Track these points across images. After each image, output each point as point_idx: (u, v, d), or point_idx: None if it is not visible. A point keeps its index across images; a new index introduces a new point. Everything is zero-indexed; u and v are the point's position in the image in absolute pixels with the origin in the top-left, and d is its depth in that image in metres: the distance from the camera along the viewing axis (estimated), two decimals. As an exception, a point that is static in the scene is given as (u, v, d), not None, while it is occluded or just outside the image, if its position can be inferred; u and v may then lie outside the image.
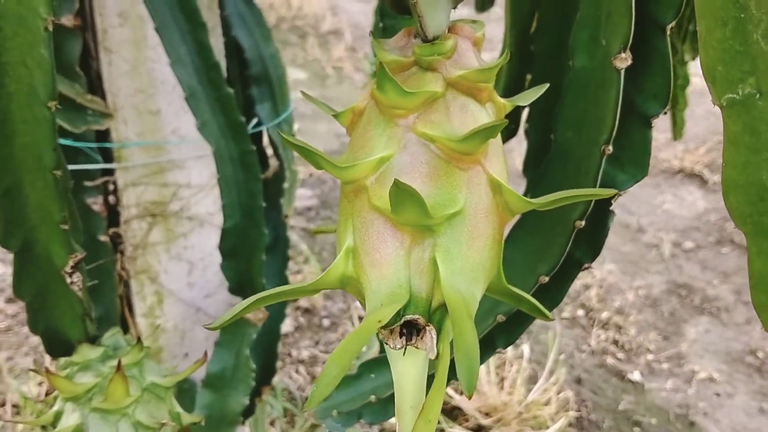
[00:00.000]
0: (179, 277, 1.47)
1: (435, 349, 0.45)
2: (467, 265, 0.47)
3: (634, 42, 0.58)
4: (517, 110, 0.95)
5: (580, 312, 3.03)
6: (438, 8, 0.49)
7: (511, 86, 0.92)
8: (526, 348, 2.49)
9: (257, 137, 1.36)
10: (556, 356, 2.56)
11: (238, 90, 1.34)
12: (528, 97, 0.54)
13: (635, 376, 2.59)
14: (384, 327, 0.45)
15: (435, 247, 0.46)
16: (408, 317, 0.45)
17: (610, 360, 2.70)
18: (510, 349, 2.47)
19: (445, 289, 0.44)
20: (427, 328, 0.45)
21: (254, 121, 1.33)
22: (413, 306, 0.45)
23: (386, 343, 0.46)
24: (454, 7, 0.52)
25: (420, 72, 0.50)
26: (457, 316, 0.43)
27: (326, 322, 2.80)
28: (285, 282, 1.57)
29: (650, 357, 2.71)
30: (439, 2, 0.50)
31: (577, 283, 3.25)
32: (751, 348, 2.78)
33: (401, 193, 0.41)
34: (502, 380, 2.30)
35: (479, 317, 0.76)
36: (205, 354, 0.94)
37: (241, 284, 1.28)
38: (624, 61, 0.58)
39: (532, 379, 2.38)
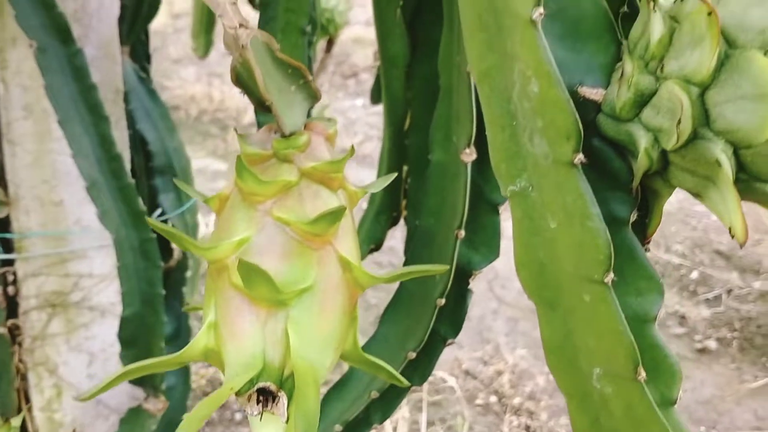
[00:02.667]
0: (79, 369, 1.46)
1: (286, 413, 0.49)
2: (318, 336, 0.51)
3: (479, 138, 0.66)
4: (398, 200, 1.03)
5: (493, 398, 3.08)
6: (293, 108, 0.56)
7: (391, 177, 1.00)
8: (438, 435, 2.50)
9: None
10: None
11: (143, 181, 1.38)
12: (378, 185, 0.61)
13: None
14: (240, 394, 0.49)
15: (287, 320, 0.51)
16: (260, 385, 0.49)
17: (522, 445, 2.74)
18: (422, 436, 2.48)
19: (294, 358, 0.49)
20: (279, 394, 0.49)
21: (158, 210, 1.37)
22: (266, 374, 0.50)
23: (244, 410, 0.50)
24: (311, 107, 0.59)
25: (278, 163, 0.56)
26: (302, 382, 0.47)
27: (238, 416, 2.76)
28: (188, 372, 1.57)
29: (560, 441, 2.76)
30: (295, 103, 0.56)
31: (490, 369, 3.32)
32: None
33: (248, 270, 0.46)
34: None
35: (355, 395, 0.80)
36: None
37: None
38: (469, 155, 0.65)
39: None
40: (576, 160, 0.45)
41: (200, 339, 0.52)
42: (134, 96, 1.28)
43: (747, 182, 0.45)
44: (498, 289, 3.51)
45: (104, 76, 1.20)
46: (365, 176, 3.90)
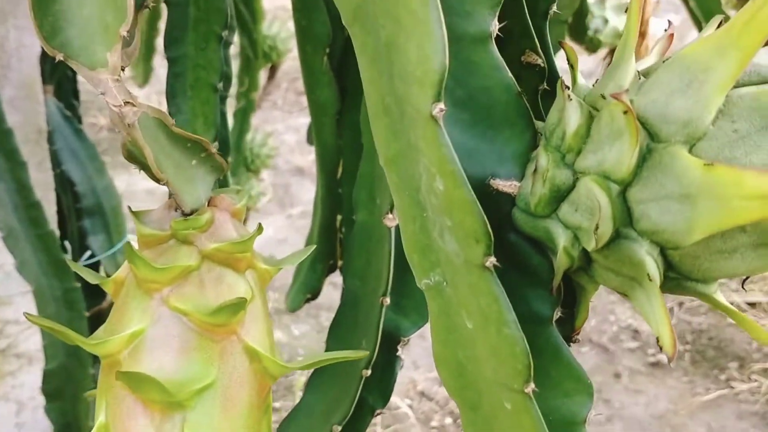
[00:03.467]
0: (7, 418, 1.39)
1: None
2: (220, 437, 0.47)
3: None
4: (334, 248, 0.99)
5: (448, 420, 3.05)
6: (194, 184, 0.52)
7: (325, 225, 0.96)
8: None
9: (92, 270, 1.33)
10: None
11: (71, 222, 1.32)
12: (293, 259, 0.57)
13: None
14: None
15: (184, 423, 0.46)
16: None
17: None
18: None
19: (192, 466, 0.45)
20: (174, 507, 0.45)
21: (87, 253, 1.31)
22: (159, 485, 0.45)
23: None
24: (218, 178, 0.55)
25: (176, 245, 0.51)
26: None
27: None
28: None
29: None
30: (196, 178, 0.52)
31: (445, 390, 3.29)
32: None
33: (131, 379, 0.42)
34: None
35: None
36: None
37: (67, 426, 1.22)
38: (392, 220, 0.61)
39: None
40: (488, 263, 0.41)
41: (89, 445, 0.47)
42: (59, 136, 1.22)
43: (677, 280, 0.42)
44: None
45: (25, 116, 1.15)
46: (318, 195, 3.85)
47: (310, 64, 0.82)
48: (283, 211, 3.83)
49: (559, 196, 0.43)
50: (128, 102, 0.45)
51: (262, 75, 1.87)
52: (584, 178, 0.42)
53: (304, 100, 5.32)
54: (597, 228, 0.40)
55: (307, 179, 4.13)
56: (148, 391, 0.44)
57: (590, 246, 0.41)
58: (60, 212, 1.31)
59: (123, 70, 0.46)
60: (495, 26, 0.45)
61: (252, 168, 1.97)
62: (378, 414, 0.70)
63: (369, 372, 0.67)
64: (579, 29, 1.44)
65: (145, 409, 0.46)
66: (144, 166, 0.50)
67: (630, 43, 0.42)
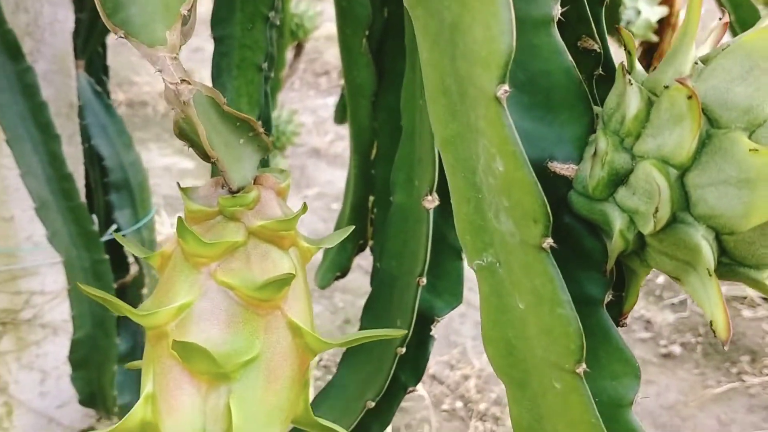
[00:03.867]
0: (31, 386, 1.41)
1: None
2: (263, 409, 0.48)
3: (442, 184, 0.63)
4: (365, 228, 1.00)
5: (459, 404, 3.07)
6: (242, 162, 0.53)
7: (356, 205, 0.97)
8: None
9: (116, 244, 1.34)
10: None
11: (98, 196, 1.33)
12: (333, 239, 0.58)
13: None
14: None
15: (230, 394, 0.48)
16: (200, 466, 0.46)
17: (487, 452, 2.74)
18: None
19: (237, 436, 0.46)
20: (222, 473, 0.46)
21: (113, 227, 1.33)
22: (206, 453, 0.47)
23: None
24: (263, 158, 0.56)
25: (224, 221, 0.52)
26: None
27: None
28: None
29: (525, 448, 2.76)
30: (243, 156, 0.53)
31: (457, 374, 3.31)
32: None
33: (184, 348, 0.43)
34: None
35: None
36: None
37: (92, 396, 1.25)
38: (431, 202, 0.62)
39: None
40: (545, 245, 0.41)
41: (137, 412, 0.48)
42: (89, 111, 1.24)
43: (730, 266, 0.42)
44: (465, 291, 3.51)
45: (57, 90, 1.16)
46: (336, 176, 3.86)
47: (349, 46, 0.82)
48: (299, 192, 3.84)
49: (617, 179, 0.44)
50: (184, 80, 0.46)
51: (289, 53, 1.87)
52: (643, 162, 0.42)
53: (321, 81, 5.27)
54: (657, 211, 0.41)
55: (324, 161, 4.13)
56: (198, 362, 0.46)
57: (647, 229, 0.42)
58: (88, 186, 1.33)
59: (180, 48, 0.47)
60: (558, 10, 0.46)
61: (277, 145, 1.98)
62: (410, 391, 0.71)
63: (404, 350, 0.68)
64: (611, 20, 1.44)
65: (192, 380, 0.48)
66: (194, 144, 0.51)
67: (691, 31, 0.43)
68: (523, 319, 0.44)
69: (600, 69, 0.51)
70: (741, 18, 0.99)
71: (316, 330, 0.54)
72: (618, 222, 0.44)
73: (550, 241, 0.41)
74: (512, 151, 0.40)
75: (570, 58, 0.46)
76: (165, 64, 0.46)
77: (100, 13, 0.44)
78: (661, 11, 1.43)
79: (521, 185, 0.41)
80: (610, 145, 0.44)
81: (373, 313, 0.72)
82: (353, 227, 0.59)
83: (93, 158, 1.28)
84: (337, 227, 1.01)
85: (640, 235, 0.44)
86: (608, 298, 0.48)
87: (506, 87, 0.39)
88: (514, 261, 0.43)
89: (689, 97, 0.39)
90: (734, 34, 1.04)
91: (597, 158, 0.44)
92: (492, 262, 0.44)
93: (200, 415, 0.47)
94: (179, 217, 0.50)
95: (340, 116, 1.29)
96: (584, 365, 0.42)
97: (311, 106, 4.67)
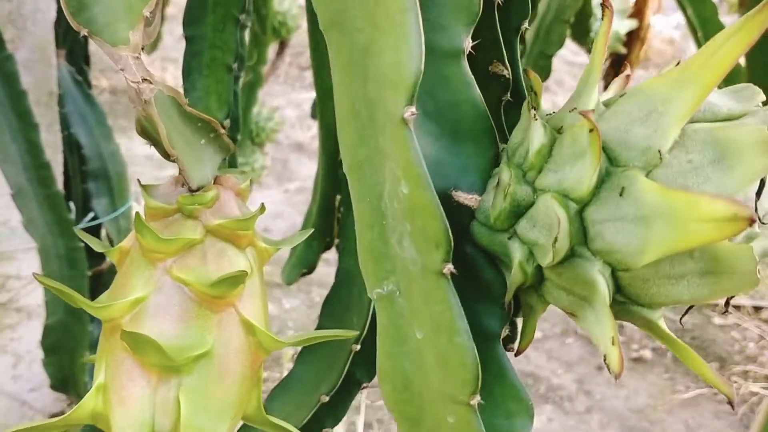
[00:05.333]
0: (4, 369, 1.42)
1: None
2: (213, 403, 0.50)
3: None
4: (331, 226, 1.02)
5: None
6: (202, 162, 0.54)
7: (324, 204, 0.99)
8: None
9: (94, 232, 1.36)
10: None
11: (76, 184, 1.34)
12: (293, 240, 0.59)
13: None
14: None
15: (180, 387, 0.49)
16: (146, 457, 0.47)
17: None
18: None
19: (185, 428, 0.48)
20: (166, 464, 0.48)
21: (90, 215, 1.34)
22: (154, 444, 0.48)
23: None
24: (224, 159, 0.57)
25: (182, 219, 0.54)
26: (188, 455, 0.46)
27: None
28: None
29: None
30: (204, 156, 0.54)
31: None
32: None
33: (133, 339, 0.45)
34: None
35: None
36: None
37: (64, 381, 1.26)
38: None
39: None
40: (445, 270, 0.41)
41: (88, 402, 0.50)
42: (69, 99, 1.25)
43: (624, 304, 0.43)
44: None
45: (37, 79, 1.17)
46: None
47: (319, 47, 0.83)
48: (281, 186, 3.84)
49: (519, 211, 0.45)
50: (146, 79, 0.48)
51: (271, 50, 1.88)
52: (544, 195, 0.43)
53: (307, 75, 5.24)
54: (556, 241, 0.41)
55: (306, 155, 4.13)
56: (148, 353, 0.47)
57: (546, 261, 0.42)
58: (66, 174, 1.33)
59: (143, 49, 0.48)
60: (468, 43, 0.46)
61: (257, 141, 1.99)
62: (364, 387, 0.73)
63: (358, 347, 0.70)
64: (581, 30, 1.46)
65: (143, 372, 0.49)
66: (156, 142, 0.53)
67: (594, 74, 0.44)
68: (421, 349, 0.44)
69: (509, 95, 0.52)
70: (699, 14, 1.00)
71: (269, 329, 0.55)
72: (518, 254, 0.45)
73: (450, 267, 0.42)
74: (417, 174, 0.41)
75: (478, 91, 0.47)
76: (127, 63, 0.47)
77: (65, 12, 0.46)
78: (630, 24, 1.46)
79: (424, 209, 0.41)
80: (513, 177, 0.45)
81: (330, 310, 0.73)
82: (312, 230, 0.61)
83: (72, 146, 1.29)
84: (305, 226, 1.03)
85: (539, 269, 0.44)
86: (505, 332, 0.47)
87: (413, 109, 0.40)
88: (415, 288, 0.43)
89: (591, 131, 0.40)
90: (692, 28, 1.05)
91: (500, 189, 0.45)
92: (392, 290, 0.44)
93: (150, 407, 0.49)
94: (137, 213, 0.51)
95: (314, 112, 1.31)
96: (479, 397, 0.42)
97: (295, 100, 4.67)
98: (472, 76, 0.47)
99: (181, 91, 0.59)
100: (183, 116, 0.52)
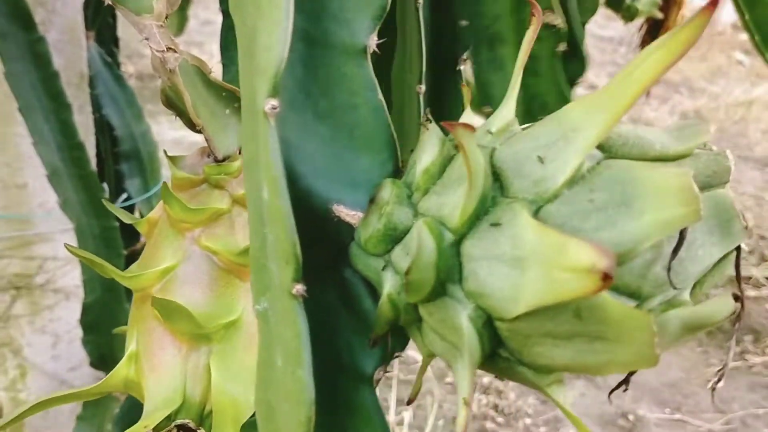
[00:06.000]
0: (43, 350, 1.45)
1: (205, 450, 0.48)
2: (243, 370, 0.50)
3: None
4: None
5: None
6: (227, 131, 0.54)
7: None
8: (407, 414, 2.53)
9: (129, 212, 1.37)
10: (435, 422, 2.60)
11: (109, 165, 1.36)
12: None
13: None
14: (158, 430, 0.48)
15: (210, 354, 0.49)
16: (179, 421, 0.48)
17: (489, 425, 2.76)
18: (392, 415, 2.50)
19: (215, 394, 0.48)
20: (198, 431, 0.48)
21: (124, 195, 1.35)
22: (185, 410, 0.49)
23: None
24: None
25: (209, 189, 0.54)
26: (219, 420, 0.47)
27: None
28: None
29: (528, 421, 2.79)
30: (229, 126, 0.54)
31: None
32: (623, 411, 2.90)
33: (164, 307, 0.45)
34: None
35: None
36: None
37: (102, 359, 1.28)
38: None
39: None
40: (294, 291, 0.36)
41: (120, 370, 0.50)
42: (100, 81, 1.26)
43: (509, 362, 0.37)
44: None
45: (68, 60, 1.18)
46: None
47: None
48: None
49: (395, 235, 0.39)
50: (170, 48, 0.48)
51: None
52: (420, 220, 0.37)
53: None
54: (408, 272, 0.35)
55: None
56: (179, 321, 0.48)
57: (409, 296, 0.37)
58: (99, 155, 1.35)
59: (167, 17, 0.48)
60: (374, 41, 0.42)
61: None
62: (397, 356, 0.73)
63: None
64: (615, -3, 1.43)
65: (173, 340, 0.50)
66: (181, 112, 0.53)
67: (514, 85, 0.40)
68: (279, 379, 0.39)
69: (565, 45, 0.50)
70: (756, 18, 0.94)
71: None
72: (388, 284, 0.39)
73: (300, 287, 0.36)
74: (273, 177, 0.36)
75: (381, 96, 0.42)
76: (151, 32, 0.47)
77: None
78: (666, -13, 1.42)
79: (277, 218, 0.36)
80: (394, 195, 0.39)
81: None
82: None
83: (103, 128, 1.30)
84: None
85: (415, 306, 0.38)
86: (379, 375, 0.42)
87: (274, 102, 0.35)
88: (277, 308, 0.38)
89: (456, 147, 0.34)
90: (750, 34, 0.99)
91: (374, 207, 0.39)
92: (266, 308, 0.39)
93: (181, 374, 0.49)
94: (164, 184, 0.51)
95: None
96: None
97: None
98: (375, 79, 0.42)
99: (220, 66, 0.59)
100: (207, 86, 0.52)
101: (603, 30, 4.95)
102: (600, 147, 0.35)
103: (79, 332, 1.46)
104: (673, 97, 4.47)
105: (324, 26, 0.38)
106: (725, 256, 0.36)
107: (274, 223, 0.36)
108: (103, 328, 1.25)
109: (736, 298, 0.35)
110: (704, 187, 0.35)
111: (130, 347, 0.51)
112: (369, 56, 0.42)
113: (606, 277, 0.27)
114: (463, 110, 0.45)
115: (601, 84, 4.35)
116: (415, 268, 0.35)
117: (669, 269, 0.33)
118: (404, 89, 0.66)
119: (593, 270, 0.28)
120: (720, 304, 0.34)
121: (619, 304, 0.30)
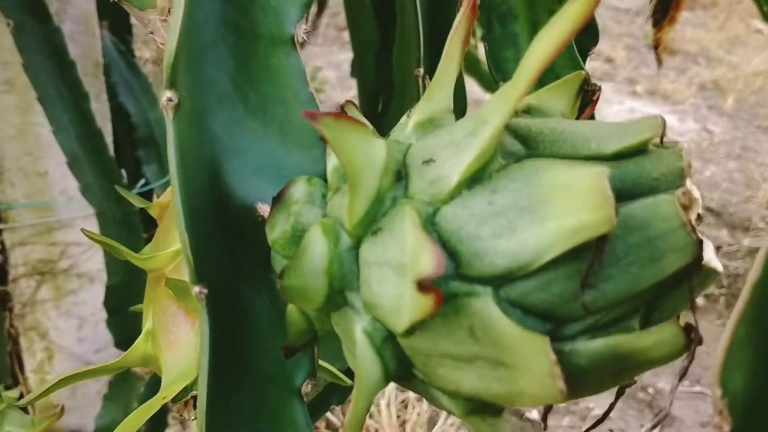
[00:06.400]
0: (69, 332, 1.49)
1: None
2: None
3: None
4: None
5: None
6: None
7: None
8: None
9: (147, 197, 1.41)
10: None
11: (126, 152, 1.39)
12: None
13: (533, 414, 2.68)
14: (176, 401, 0.51)
15: (222, 330, 0.52)
16: (194, 393, 0.51)
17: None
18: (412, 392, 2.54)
19: (228, 367, 0.51)
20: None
21: (142, 181, 1.39)
22: (200, 382, 0.51)
23: (182, 415, 0.52)
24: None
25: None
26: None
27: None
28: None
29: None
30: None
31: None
32: (643, 384, 2.92)
33: (177, 287, 0.48)
34: (404, 423, 2.36)
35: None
36: (62, 409, 0.97)
37: (126, 340, 1.32)
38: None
39: (432, 421, 2.45)
40: (195, 291, 0.35)
41: (138, 346, 0.53)
42: (115, 69, 1.29)
43: (424, 383, 0.32)
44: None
45: (83, 50, 1.21)
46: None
47: (352, 5, 0.85)
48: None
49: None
50: (174, 41, 0.50)
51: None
52: (320, 221, 0.34)
53: (344, 35, 5.21)
54: (282, 275, 0.32)
55: (344, 115, 4.12)
56: (191, 299, 0.50)
57: (299, 305, 0.35)
58: (116, 142, 1.38)
59: (169, 11, 0.50)
60: (302, 30, 0.41)
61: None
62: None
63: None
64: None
65: (187, 317, 0.53)
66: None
67: (441, 81, 0.37)
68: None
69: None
70: None
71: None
72: None
73: (198, 289, 0.35)
74: (175, 173, 0.35)
75: (309, 88, 0.41)
76: (156, 26, 0.50)
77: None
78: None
79: (177, 216, 0.35)
80: (305, 194, 0.36)
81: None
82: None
83: (120, 115, 1.34)
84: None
85: (327, 315, 0.36)
86: (308, 387, 0.40)
87: (170, 95, 0.35)
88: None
89: (322, 139, 0.30)
90: (759, 5, 1.00)
91: (282, 206, 0.36)
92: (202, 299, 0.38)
93: (195, 349, 0.52)
94: (173, 169, 0.54)
95: (355, 71, 1.33)
96: None
97: (335, 61, 4.65)
98: (304, 69, 0.40)
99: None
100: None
101: (620, 1, 4.89)
102: (525, 143, 0.31)
103: (103, 315, 1.51)
104: (690, 68, 4.42)
105: (252, 16, 0.37)
106: (676, 277, 0.29)
107: (177, 221, 0.35)
108: (127, 310, 1.29)
109: (689, 329, 0.28)
110: (646, 193, 0.28)
111: (147, 325, 0.54)
112: (298, 45, 0.40)
113: (436, 303, 0.24)
114: (462, 97, 0.45)
115: (617, 57, 4.32)
116: (293, 273, 0.32)
117: (583, 287, 0.27)
118: (404, 73, 0.68)
119: (423, 284, 0.25)
120: (664, 334, 0.28)
121: (510, 324, 0.27)
